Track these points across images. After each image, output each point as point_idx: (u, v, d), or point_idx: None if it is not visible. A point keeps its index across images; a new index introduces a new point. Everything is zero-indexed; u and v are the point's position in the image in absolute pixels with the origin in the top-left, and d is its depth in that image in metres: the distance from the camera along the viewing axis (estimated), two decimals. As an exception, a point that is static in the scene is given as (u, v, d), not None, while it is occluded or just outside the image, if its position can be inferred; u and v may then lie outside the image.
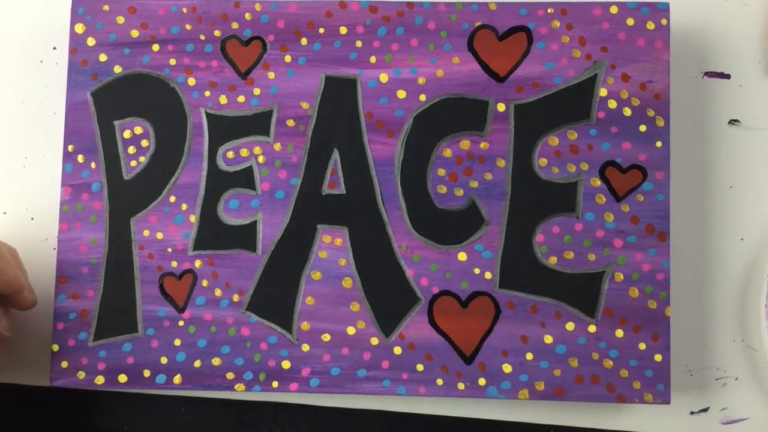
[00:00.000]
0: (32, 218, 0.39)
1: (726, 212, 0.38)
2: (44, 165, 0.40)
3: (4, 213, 0.40)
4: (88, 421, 0.36)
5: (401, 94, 0.37)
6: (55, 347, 0.36)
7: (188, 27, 0.37)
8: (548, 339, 0.35)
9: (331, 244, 0.36)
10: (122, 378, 0.36)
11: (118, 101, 0.37)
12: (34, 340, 0.38)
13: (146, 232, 0.36)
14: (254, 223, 0.36)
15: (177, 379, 0.36)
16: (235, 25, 0.37)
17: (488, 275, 0.36)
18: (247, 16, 0.37)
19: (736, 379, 0.38)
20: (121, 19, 0.37)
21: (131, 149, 0.37)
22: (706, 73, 0.39)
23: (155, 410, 0.38)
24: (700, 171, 0.39)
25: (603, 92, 0.36)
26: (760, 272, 0.37)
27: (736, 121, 0.38)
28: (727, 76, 0.39)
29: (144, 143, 0.37)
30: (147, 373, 0.36)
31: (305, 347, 0.36)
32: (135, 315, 0.36)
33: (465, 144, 0.36)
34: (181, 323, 0.36)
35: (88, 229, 0.36)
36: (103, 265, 0.36)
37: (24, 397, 0.36)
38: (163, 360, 0.36)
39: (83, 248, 0.36)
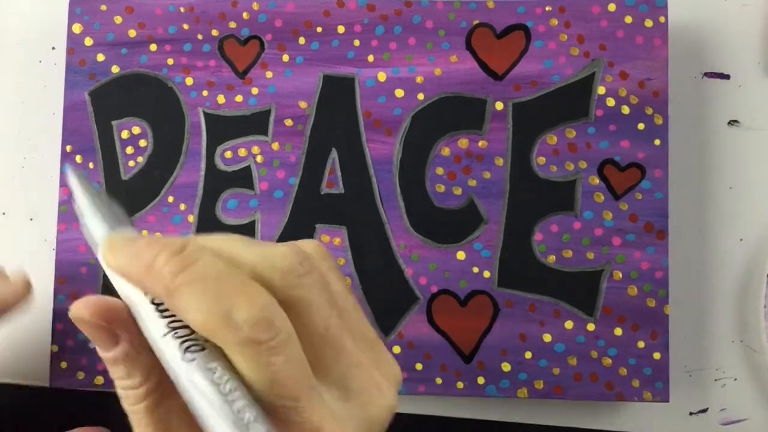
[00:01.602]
0: (31, 219, 0.40)
1: (725, 213, 0.39)
2: (43, 165, 0.41)
3: (3, 213, 0.40)
4: (88, 421, 0.37)
5: (399, 93, 0.37)
6: (55, 348, 0.37)
7: (185, 26, 0.38)
8: (547, 337, 0.36)
9: (330, 244, 0.37)
10: (121, 378, 0.37)
11: (115, 101, 0.38)
12: (33, 341, 0.39)
13: (145, 232, 0.37)
14: (253, 223, 0.37)
15: (176, 378, 0.36)
16: (232, 25, 0.38)
17: (487, 274, 0.36)
18: (245, 15, 0.38)
19: (735, 379, 0.38)
20: (118, 19, 0.38)
21: (129, 149, 0.38)
22: (706, 74, 0.40)
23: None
24: (699, 172, 0.39)
25: (601, 90, 0.37)
26: (760, 273, 0.38)
27: (735, 121, 0.39)
28: (727, 77, 0.39)
29: (142, 143, 0.38)
30: (146, 373, 0.37)
31: (304, 347, 0.36)
32: (134, 315, 0.37)
33: (463, 143, 0.37)
34: (179, 323, 0.37)
35: (87, 229, 0.37)
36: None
37: (24, 398, 0.37)
38: (162, 360, 0.37)
39: (82, 249, 0.37)
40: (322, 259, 0.23)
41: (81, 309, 0.21)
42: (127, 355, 0.21)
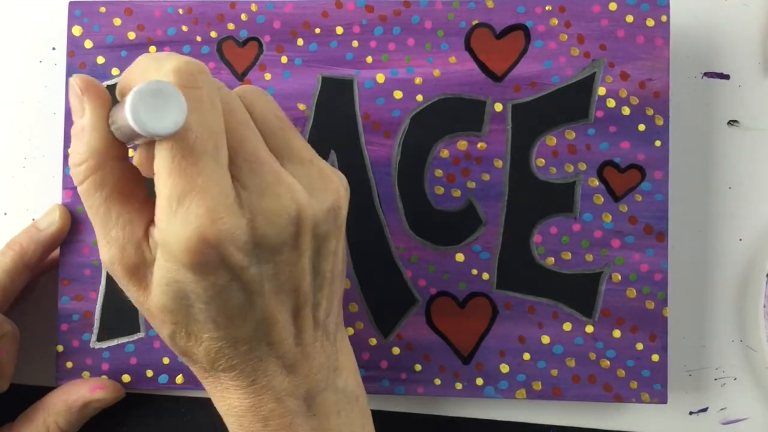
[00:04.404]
0: (33, 219, 0.42)
1: (725, 213, 0.40)
2: (44, 165, 0.42)
3: (5, 214, 0.42)
4: (87, 421, 0.39)
5: (398, 94, 0.39)
6: (60, 348, 0.39)
7: (184, 28, 0.39)
8: (545, 339, 0.38)
9: (329, 246, 0.38)
10: (126, 378, 0.39)
11: (116, 104, 0.39)
12: (39, 341, 0.41)
13: None
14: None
15: (179, 379, 0.38)
16: (231, 26, 0.39)
17: (486, 276, 0.38)
18: (243, 16, 0.39)
19: (735, 379, 0.40)
20: (117, 21, 0.40)
21: (130, 152, 0.39)
22: (706, 74, 0.41)
23: (155, 411, 0.41)
24: (699, 172, 0.40)
25: (601, 91, 0.38)
26: (759, 273, 0.39)
27: (735, 121, 0.40)
28: (727, 77, 0.41)
29: (143, 146, 0.39)
30: (150, 374, 0.39)
31: (304, 348, 0.38)
32: (137, 316, 0.39)
33: (462, 144, 0.38)
34: (182, 324, 0.39)
35: (90, 231, 0.39)
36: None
37: (30, 397, 0.39)
38: (165, 360, 0.39)
39: (85, 250, 0.39)
40: (251, 94, 0.31)
41: (75, 78, 0.30)
42: (83, 129, 0.29)
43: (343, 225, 0.31)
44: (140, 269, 0.29)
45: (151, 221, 0.29)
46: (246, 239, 0.27)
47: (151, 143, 0.28)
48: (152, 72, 0.27)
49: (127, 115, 0.24)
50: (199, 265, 0.26)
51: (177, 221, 0.26)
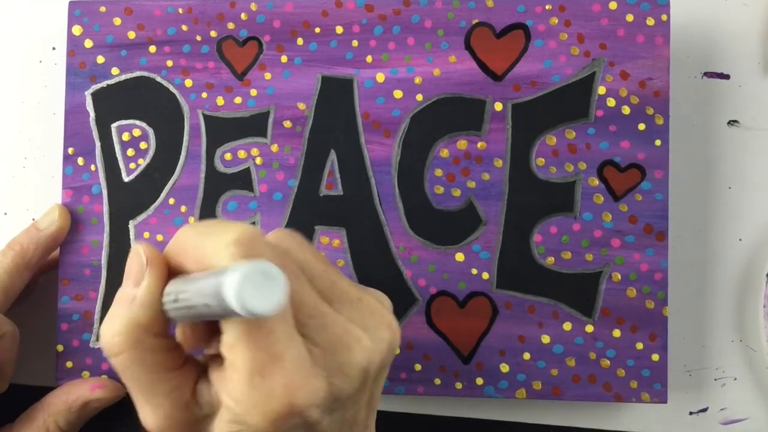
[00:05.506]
0: (33, 219, 0.42)
1: (725, 213, 0.40)
2: (44, 165, 0.43)
3: (5, 214, 0.43)
4: (87, 422, 0.39)
5: (398, 93, 0.39)
6: (60, 348, 0.39)
7: (184, 28, 0.40)
8: (545, 339, 0.38)
9: (329, 246, 0.39)
10: (125, 378, 0.39)
11: (116, 103, 0.40)
12: (39, 341, 0.41)
13: (146, 234, 0.39)
14: (253, 225, 0.39)
15: (179, 378, 0.39)
16: (231, 26, 0.39)
17: (486, 275, 0.38)
18: (243, 16, 0.39)
19: (735, 379, 0.40)
20: (117, 21, 0.40)
21: (130, 151, 0.40)
22: (706, 74, 0.41)
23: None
24: (699, 172, 0.41)
25: (602, 90, 0.38)
26: (759, 273, 0.39)
27: (735, 121, 0.40)
28: (727, 77, 0.41)
29: (143, 145, 0.40)
30: (149, 373, 0.39)
31: (304, 347, 0.38)
32: (137, 316, 0.39)
33: (462, 144, 0.39)
34: (182, 324, 0.39)
35: (90, 231, 0.39)
36: (104, 267, 0.39)
37: (30, 398, 0.39)
38: (165, 360, 0.39)
39: (85, 250, 0.39)
40: (285, 240, 0.30)
41: (143, 246, 0.28)
42: (134, 300, 0.27)
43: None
44: (192, 427, 0.28)
45: (197, 378, 0.28)
46: (325, 396, 0.27)
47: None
48: (209, 246, 0.26)
49: (230, 299, 0.23)
50: (281, 429, 0.26)
51: (261, 395, 0.25)
